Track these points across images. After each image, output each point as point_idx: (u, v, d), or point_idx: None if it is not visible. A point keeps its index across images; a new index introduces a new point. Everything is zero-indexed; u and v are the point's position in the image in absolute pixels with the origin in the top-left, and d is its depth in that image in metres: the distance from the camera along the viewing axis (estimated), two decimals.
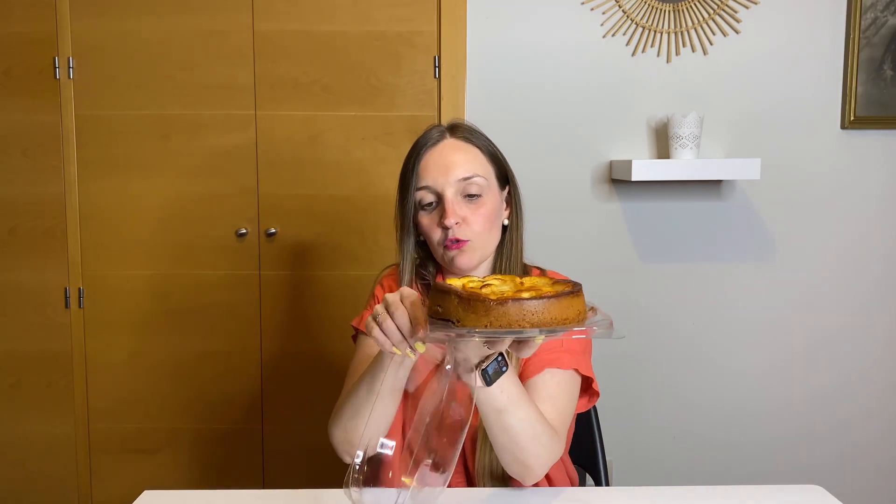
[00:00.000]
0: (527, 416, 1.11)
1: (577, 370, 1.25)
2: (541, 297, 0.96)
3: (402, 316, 1.02)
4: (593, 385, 1.30)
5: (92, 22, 2.21)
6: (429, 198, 1.26)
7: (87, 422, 2.32)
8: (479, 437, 1.25)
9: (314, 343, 2.30)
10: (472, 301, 0.95)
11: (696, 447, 2.36)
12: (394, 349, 1.04)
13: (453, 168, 1.25)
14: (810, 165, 2.27)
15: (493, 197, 1.28)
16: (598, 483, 1.47)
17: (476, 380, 1.06)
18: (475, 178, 1.25)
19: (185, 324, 2.29)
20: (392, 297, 1.04)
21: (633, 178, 2.08)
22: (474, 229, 1.26)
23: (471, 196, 1.26)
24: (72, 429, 2.32)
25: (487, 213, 1.27)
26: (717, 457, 2.36)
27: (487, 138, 1.32)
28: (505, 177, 1.33)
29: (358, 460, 1.09)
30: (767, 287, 2.31)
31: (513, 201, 1.34)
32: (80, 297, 2.28)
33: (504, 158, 1.33)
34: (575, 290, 0.99)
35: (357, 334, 1.38)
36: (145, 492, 1.22)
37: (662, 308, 2.32)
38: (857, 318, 2.33)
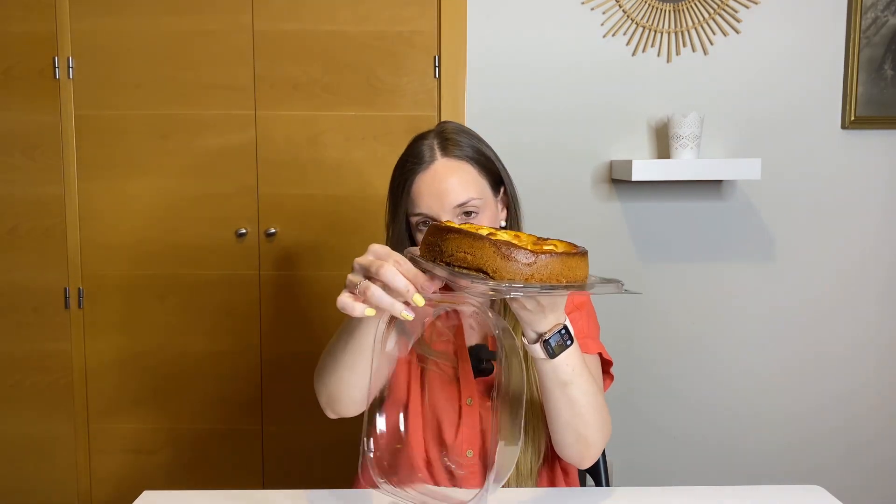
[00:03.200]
0: (589, 388, 1.11)
1: (600, 354, 1.27)
2: (573, 254, 0.93)
3: (405, 262, 0.97)
4: (609, 369, 1.32)
5: (92, 22, 2.21)
6: (423, 219, 1.25)
7: (87, 422, 2.32)
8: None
9: (314, 343, 2.29)
10: (514, 251, 0.90)
11: (696, 447, 2.36)
12: (390, 306, 0.96)
13: (448, 195, 1.22)
14: (810, 165, 2.27)
15: (489, 208, 1.26)
16: (598, 484, 1.47)
17: (539, 352, 1.04)
18: (471, 202, 1.22)
19: (185, 324, 2.29)
20: (379, 247, 1.00)
21: (634, 178, 2.08)
22: None
23: (468, 213, 1.23)
24: (72, 429, 2.32)
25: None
26: (717, 457, 2.36)
27: (477, 143, 1.28)
28: (499, 179, 1.30)
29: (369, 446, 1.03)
30: (767, 287, 2.31)
31: (508, 201, 1.32)
32: (79, 297, 2.28)
33: (496, 159, 1.30)
34: (583, 248, 0.97)
35: None
36: (145, 492, 1.22)
37: (662, 308, 2.32)
38: (857, 317, 2.33)
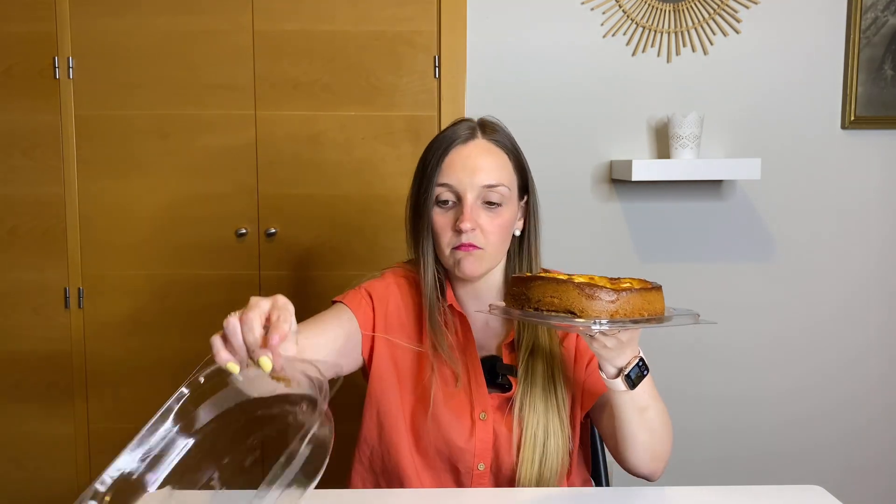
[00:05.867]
0: (662, 408, 1.16)
1: None
2: (650, 288, 1.02)
3: (256, 318, 0.89)
4: None
5: (92, 22, 2.21)
6: (446, 195, 1.22)
7: (87, 422, 2.32)
8: (524, 449, 1.23)
9: None
10: (597, 290, 0.98)
11: (696, 447, 2.36)
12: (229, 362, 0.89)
13: (479, 172, 1.21)
14: (810, 165, 2.27)
15: (512, 207, 1.26)
16: (598, 483, 1.47)
17: (620, 385, 1.09)
18: (499, 188, 1.22)
19: (185, 324, 2.29)
20: (255, 299, 0.92)
21: (634, 178, 2.08)
22: (489, 238, 1.23)
23: (490, 203, 1.22)
24: (72, 429, 2.32)
25: (503, 223, 1.24)
26: (718, 457, 2.36)
27: (516, 144, 1.29)
28: (526, 186, 1.30)
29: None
30: (767, 287, 2.31)
31: (529, 211, 1.31)
32: (79, 297, 2.28)
33: (528, 166, 1.30)
34: (656, 283, 1.06)
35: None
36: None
37: None
38: (857, 316, 2.33)
